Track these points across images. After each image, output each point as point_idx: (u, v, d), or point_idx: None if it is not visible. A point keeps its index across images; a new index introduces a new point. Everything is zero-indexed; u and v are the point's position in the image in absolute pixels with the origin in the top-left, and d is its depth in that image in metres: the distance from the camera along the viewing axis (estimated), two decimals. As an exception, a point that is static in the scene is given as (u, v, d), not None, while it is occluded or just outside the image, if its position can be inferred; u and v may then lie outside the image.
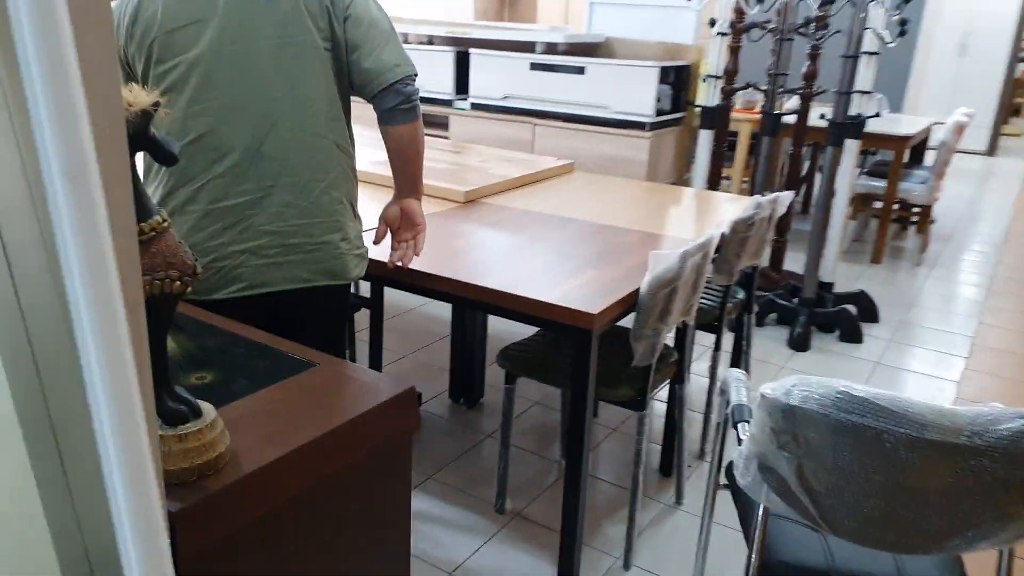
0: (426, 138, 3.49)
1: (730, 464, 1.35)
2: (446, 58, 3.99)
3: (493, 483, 2.27)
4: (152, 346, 0.87)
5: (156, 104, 0.79)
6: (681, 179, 3.98)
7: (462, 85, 4.03)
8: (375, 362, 2.49)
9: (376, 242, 1.75)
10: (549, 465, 2.40)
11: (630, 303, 1.76)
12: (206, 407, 0.92)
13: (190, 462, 0.87)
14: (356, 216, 1.69)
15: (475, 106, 4.00)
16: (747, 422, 1.39)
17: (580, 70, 3.63)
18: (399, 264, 1.74)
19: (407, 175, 1.68)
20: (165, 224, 0.82)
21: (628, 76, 3.53)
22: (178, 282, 0.83)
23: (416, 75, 1.57)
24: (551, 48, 3.88)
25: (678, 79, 3.68)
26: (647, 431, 1.96)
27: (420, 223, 1.75)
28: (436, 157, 2.94)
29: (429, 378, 2.92)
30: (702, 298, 2.45)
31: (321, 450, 1.02)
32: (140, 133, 0.79)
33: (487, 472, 2.34)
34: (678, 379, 2.18)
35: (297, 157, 1.52)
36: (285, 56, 1.48)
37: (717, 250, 2.26)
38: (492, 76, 3.91)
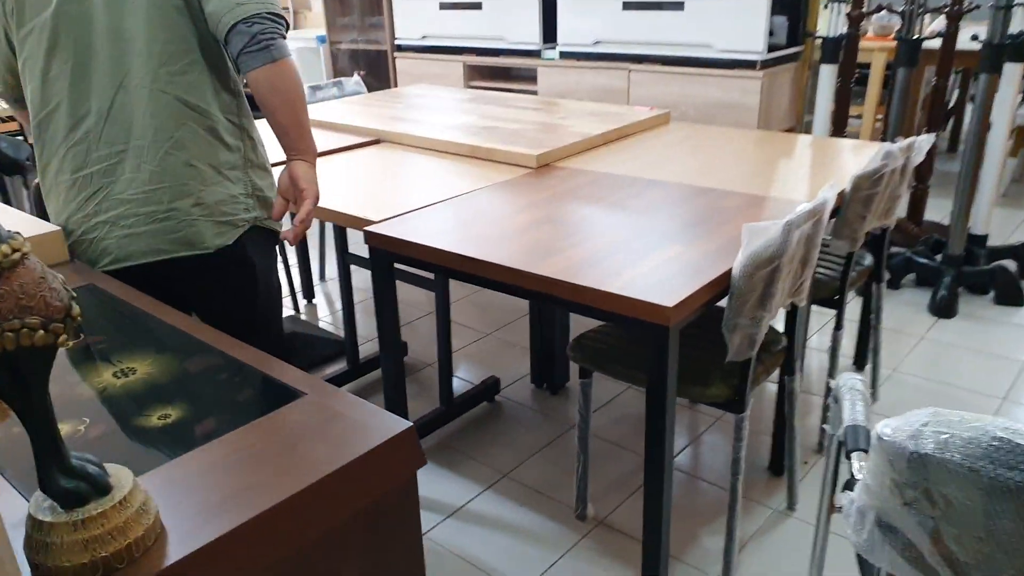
0: (509, 95, 3.17)
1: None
2: (531, 2, 3.67)
3: (574, 484, 2.03)
4: (31, 410, 0.68)
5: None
6: (801, 123, 3.51)
7: (550, 33, 3.70)
8: (444, 347, 2.28)
9: (274, 217, 1.50)
10: (640, 462, 2.13)
11: (722, 287, 1.45)
12: (120, 477, 0.72)
13: (91, 555, 0.68)
14: (224, 178, 1.45)
15: (564, 55, 3.66)
16: (863, 451, 1.07)
17: (679, 5, 3.22)
18: (289, 241, 1.49)
19: (279, 128, 1.42)
20: (16, 256, 0.61)
21: (733, 8, 3.09)
22: (41, 331, 0.62)
23: (270, 13, 1.34)
24: (646, -17, 3.47)
25: (793, 7, 3.19)
26: (746, 436, 1.65)
27: (303, 188, 1.43)
28: (512, 117, 2.66)
29: (509, 360, 2.70)
30: (819, 268, 2.08)
31: (290, 517, 0.81)
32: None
33: (569, 470, 2.10)
34: (788, 370, 1.84)
35: (142, 118, 1.39)
36: (124, 10, 1.37)
37: (836, 211, 1.89)
38: (582, 19, 3.56)
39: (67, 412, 0.95)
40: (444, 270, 1.62)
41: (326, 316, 3.15)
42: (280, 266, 3.08)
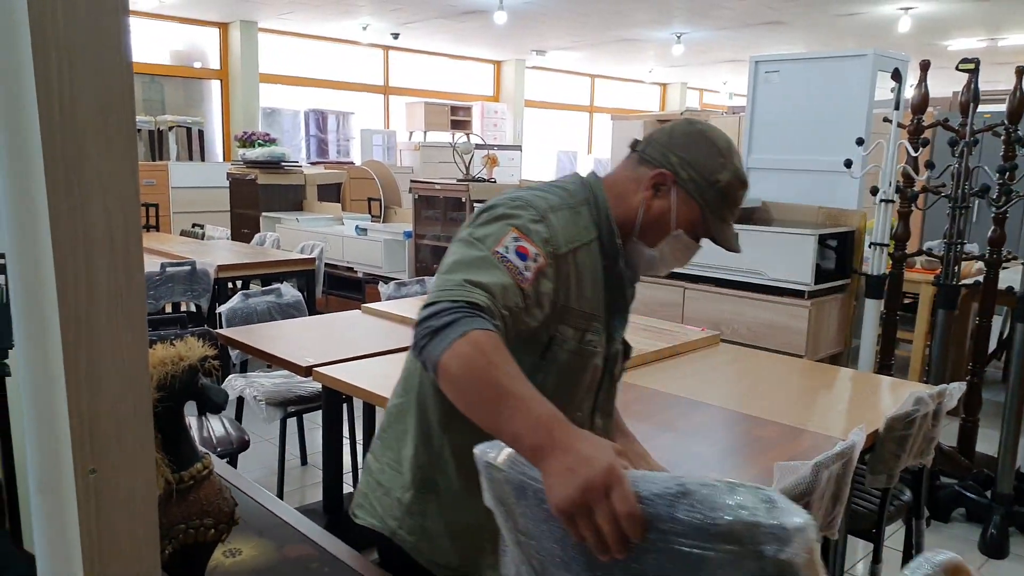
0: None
1: None
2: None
3: None
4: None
5: (205, 359, 0.83)
6: (848, 347, 3.68)
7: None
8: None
9: None
10: None
11: (754, 517, 1.59)
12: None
13: None
14: None
15: (626, 268, 3.99)
16: None
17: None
18: None
19: None
20: (206, 472, 0.84)
21: (784, 243, 3.39)
22: (212, 530, 0.83)
23: (440, 303, 1.12)
24: (705, 211, 3.83)
25: (841, 244, 3.48)
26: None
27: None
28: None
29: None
30: (858, 500, 2.18)
31: None
32: (187, 386, 0.82)
33: None
34: (822, 600, 1.91)
35: None
36: None
37: (870, 449, 2.03)
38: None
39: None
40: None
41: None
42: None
